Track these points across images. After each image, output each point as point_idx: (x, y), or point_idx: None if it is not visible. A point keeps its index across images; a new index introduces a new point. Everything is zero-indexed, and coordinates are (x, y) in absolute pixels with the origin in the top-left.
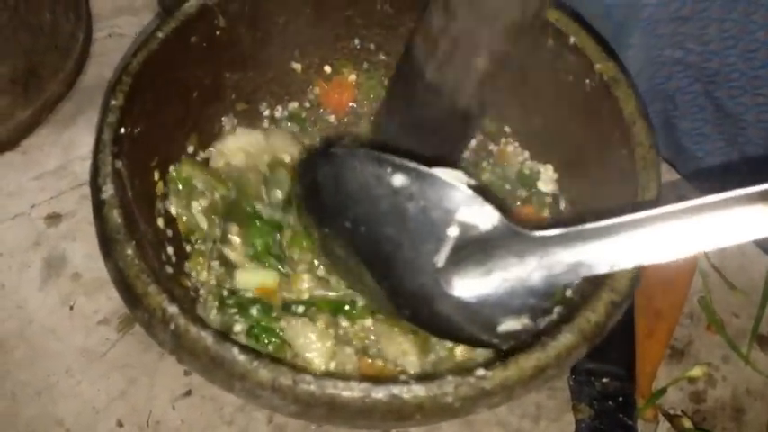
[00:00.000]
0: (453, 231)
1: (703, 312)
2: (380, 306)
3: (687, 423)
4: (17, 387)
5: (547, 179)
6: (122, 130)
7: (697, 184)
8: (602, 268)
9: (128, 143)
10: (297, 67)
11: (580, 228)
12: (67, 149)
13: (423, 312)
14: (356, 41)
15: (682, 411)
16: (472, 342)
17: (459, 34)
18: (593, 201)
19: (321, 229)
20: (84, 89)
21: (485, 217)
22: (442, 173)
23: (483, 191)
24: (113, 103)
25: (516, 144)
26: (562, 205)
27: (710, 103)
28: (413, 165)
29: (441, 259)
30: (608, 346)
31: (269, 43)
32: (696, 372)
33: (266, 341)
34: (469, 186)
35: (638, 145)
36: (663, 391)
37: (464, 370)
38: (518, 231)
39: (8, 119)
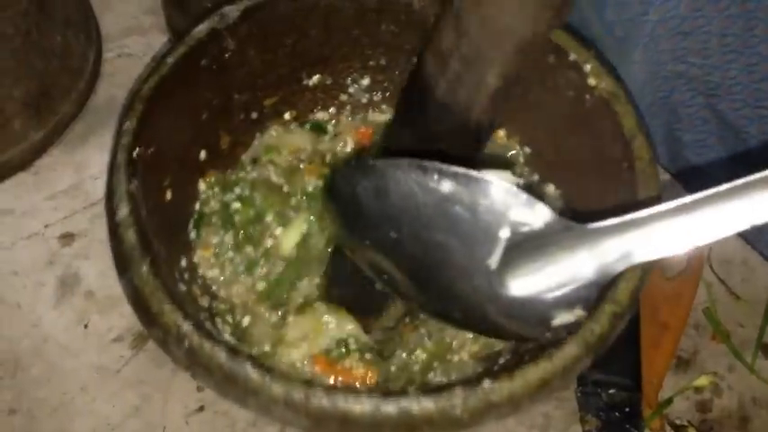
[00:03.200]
0: (505, 232)
1: (708, 323)
2: (424, 311)
3: None
4: (34, 404)
5: (551, 198)
6: (135, 152)
7: None
8: (652, 254)
9: (141, 164)
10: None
11: (631, 216)
12: (79, 169)
13: (475, 314)
14: (363, 60)
15: (688, 421)
16: (524, 338)
17: (469, 52)
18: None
19: (361, 242)
20: (95, 109)
21: (537, 215)
22: (489, 174)
23: (530, 188)
24: (126, 126)
25: (526, 169)
26: None
27: (713, 115)
28: (461, 170)
29: (494, 261)
30: (614, 357)
31: (277, 64)
32: (702, 381)
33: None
34: (518, 185)
35: (637, 159)
36: (669, 401)
37: (471, 381)
38: (571, 226)
39: (21, 141)
